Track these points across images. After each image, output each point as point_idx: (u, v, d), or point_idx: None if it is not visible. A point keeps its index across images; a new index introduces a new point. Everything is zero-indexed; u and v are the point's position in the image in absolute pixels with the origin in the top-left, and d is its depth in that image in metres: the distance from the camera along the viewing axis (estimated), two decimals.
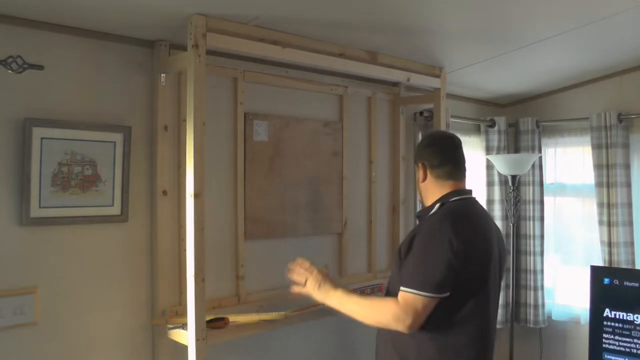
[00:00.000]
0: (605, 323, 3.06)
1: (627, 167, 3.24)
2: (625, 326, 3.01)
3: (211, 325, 2.00)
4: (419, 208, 3.11)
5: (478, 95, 3.62)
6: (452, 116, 3.21)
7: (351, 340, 2.85)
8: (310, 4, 1.92)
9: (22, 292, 1.83)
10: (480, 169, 3.56)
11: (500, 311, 2.80)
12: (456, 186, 1.89)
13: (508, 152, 3.60)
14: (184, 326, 1.99)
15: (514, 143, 3.68)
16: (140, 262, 2.12)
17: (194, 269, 1.88)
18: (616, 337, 3.03)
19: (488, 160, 3.53)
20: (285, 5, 1.91)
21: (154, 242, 2.13)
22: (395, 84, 3.02)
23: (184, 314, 2.05)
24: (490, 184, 3.57)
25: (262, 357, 2.48)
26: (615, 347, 3.03)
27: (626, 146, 3.25)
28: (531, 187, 3.57)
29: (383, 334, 1.90)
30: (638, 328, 2.97)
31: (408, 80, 2.71)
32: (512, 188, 3.40)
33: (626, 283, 3.03)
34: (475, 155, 3.53)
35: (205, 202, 1.91)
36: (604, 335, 3.06)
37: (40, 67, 1.79)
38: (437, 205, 1.85)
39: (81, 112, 1.96)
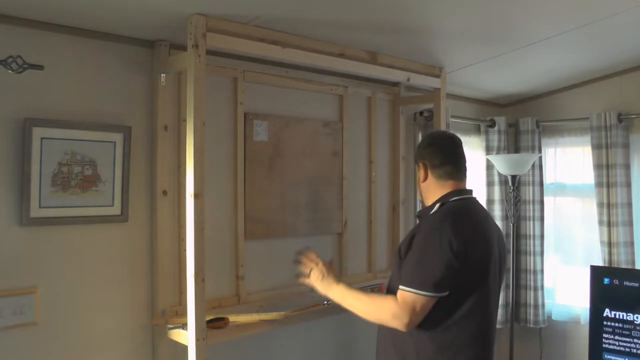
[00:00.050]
0: (605, 323, 3.07)
1: (627, 167, 3.24)
2: (625, 326, 3.01)
3: (211, 325, 2.00)
4: (419, 208, 3.11)
5: (478, 95, 3.62)
6: (452, 116, 3.21)
7: (351, 340, 2.85)
8: (310, 4, 1.92)
9: (22, 292, 1.83)
10: (480, 169, 3.56)
11: (500, 311, 2.80)
12: (457, 186, 1.89)
13: (508, 152, 3.60)
14: (184, 326, 1.99)
15: (514, 143, 3.68)
16: (140, 262, 2.12)
17: (194, 269, 1.88)
18: (616, 337, 3.03)
19: (488, 160, 3.53)
20: (285, 5, 1.91)
21: (154, 242, 2.13)
22: (395, 84, 3.02)
23: (184, 314, 2.05)
24: (490, 184, 3.57)
25: (262, 357, 2.48)
26: (615, 347, 3.03)
27: (626, 146, 3.25)
28: (531, 187, 3.57)
29: (383, 333, 1.91)
30: (638, 328, 2.97)
31: (408, 80, 2.71)
32: (512, 188, 3.40)
33: (626, 283, 3.03)
34: (475, 155, 3.53)
35: (205, 202, 1.91)
36: (604, 335, 3.06)
37: (40, 67, 1.78)
38: (437, 205, 1.86)
39: (81, 112, 1.96)
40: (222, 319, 2.08)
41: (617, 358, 3.02)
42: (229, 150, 2.35)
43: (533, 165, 3.46)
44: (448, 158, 1.91)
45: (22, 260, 1.85)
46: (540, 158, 3.55)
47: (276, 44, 2.13)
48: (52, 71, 1.86)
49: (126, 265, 2.08)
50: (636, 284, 3.00)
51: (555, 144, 3.65)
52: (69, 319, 1.94)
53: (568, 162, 3.65)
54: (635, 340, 2.97)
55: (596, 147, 3.27)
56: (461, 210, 1.84)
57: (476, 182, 3.45)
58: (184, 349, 1.95)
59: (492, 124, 3.54)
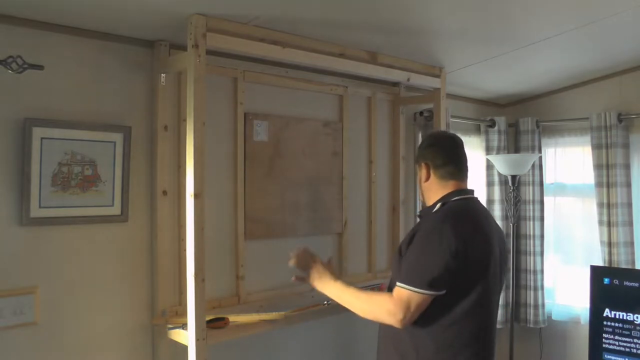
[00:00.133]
0: (605, 323, 3.07)
1: (627, 167, 3.24)
2: (625, 326, 3.01)
3: (211, 325, 2.00)
4: (419, 208, 3.12)
5: (478, 95, 3.62)
6: (452, 116, 3.21)
7: (351, 340, 2.85)
8: (310, 4, 1.92)
9: (22, 292, 1.83)
10: (480, 169, 3.56)
11: (500, 311, 2.80)
12: (458, 186, 1.90)
13: (508, 152, 3.60)
14: (184, 326, 1.99)
15: (514, 143, 3.68)
16: (140, 262, 2.12)
17: (194, 269, 1.88)
18: (616, 337, 3.03)
19: (488, 160, 3.53)
20: (286, 5, 1.91)
21: (154, 242, 2.13)
22: (395, 84, 3.02)
23: (184, 314, 2.05)
24: (490, 184, 3.57)
25: (262, 357, 2.48)
26: (615, 347, 3.03)
27: (626, 146, 3.25)
28: (531, 187, 3.57)
29: (384, 333, 1.91)
30: (638, 328, 2.98)
31: (408, 80, 2.71)
32: (512, 188, 3.40)
33: (626, 283, 3.03)
34: (475, 155, 3.53)
35: (205, 202, 1.91)
36: (604, 335, 3.06)
37: (40, 67, 1.78)
38: (438, 205, 1.86)
39: (81, 112, 1.96)
40: (222, 319, 2.08)
41: (617, 358, 3.02)
42: (229, 150, 2.35)
43: (533, 165, 3.46)
44: (450, 158, 1.91)
45: (22, 260, 1.85)
46: (540, 158, 3.55)
47: (276, 44, 2.13)
48: (52, 71, 1.86)
49: (126, 265, 2.08)
50: (636, 284, 3.00)
51: (555, 144, 3.65)
52: (69, 319, 1.94)
53: (568, 162, 3.65)
54: (635, 340, 2.97)
55: (596, 147, 3.27)
56: (462, 210, 1.84)
57: (476, 182, 3.45)
58: (184, 349, 1.95)
59: (492, 124, 3.54)
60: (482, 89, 3.49)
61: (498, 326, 2.36)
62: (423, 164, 1.94)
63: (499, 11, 2.15)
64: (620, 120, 3.21)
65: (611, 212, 3.21)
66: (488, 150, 3.54)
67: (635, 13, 2.25)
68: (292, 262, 1.98)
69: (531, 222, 3.57)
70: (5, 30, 1.78)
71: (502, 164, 3.35)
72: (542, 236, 3.56)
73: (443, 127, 2.88)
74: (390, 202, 3.06)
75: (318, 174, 2.66)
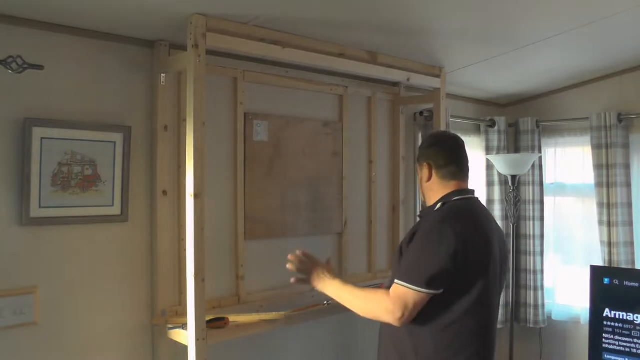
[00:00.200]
0: (605, 323, 3.06)
1: (627, 167, 3.24)
2: (625, 326, 3.01)
3: (211, 325, 2.00)
4: (419, 208, 3.12)
5: (478, 95, 3.62)
6: (452, 116, 3.21)
7: (351, 340, 2.85)
8: (310, 4, 1.92)
9: (22, 292, 1.83)
10: (480, 169, 3.55)
11: (500, 311, 2.80)
12: (459, 186, 1.90)
13: (508, 152, 3.60)
14: (184, 326, 1.99)
15: (514, 143, 3.68)
16: (140, 262, 2.12)
17: (194, 269, 1.88)
18: (616, 337, 3.03)
19: (488, 160, 3.53)
20: (286, 5, 1.91)
21: (154, 242, 2.13)
22: (395, 84, 3.02)
23: (184, 314, 2.05)
24: (490, 184, 3.57)
25: (262, 357, 2.48)
26: (615, 347, 3.03)
27: (626, 146, 3.25)
28: (531, 187, 3.57)
29: (384, 333, 1.92)
30: (638, 328, 2.97)
31: (408, 80, 2.71)
32: (512, 188, 3.40)
33: (626, 283, 3.03)
34: (475, 155, 3.53)
35: (205, 202, 1.91)
36: (604, 335, 3.06)
37: (40, 67, 1.78)
38: (439, 205, 1.86)
39: (81, 112, 1.96)
40: (222, 319, 2.08)
41: (617, 358, 3.02)
42: (229, 150, 2.35)
43: (533, 165, 3.46)
44: (452, 158, 1.91)
45: (22, 260, 1.85)
46: (540, 158, 3.55)
47: (276, 44, 2.13)
48: (52, 71, 1.86)
49: (126, 265, 2.08)
50: (636, 284, 3.00)
51: (555, 144, 3.65)
52: (69, 319, 1.94)
53: (568, 162, 3.65)
54: (635, 340, 2.97)
55: (596, 147, 3.27)
56: (462, 209, 1.84)
57: (476, 182, 3.45)
58: (184, 349, 1.95)
59: (492, 124, 3.54)
60: (482, 89, 3.49)
61: (498, 326, 2.35)
62: (425, 164, 1.94)
63: (499, 11, 2.15)
64: (620, 120, 3.21)
65: (611, 212, 3.21)
66: (488, 150, 3.54)
67: (635, 13, 2.25)
68: (291, 267, 1.98)
69: (531, 222, 3.57)
70: (5, 30, 1.78)
71: (502, 164, 3.35)
72: (542, 236, 3.56)
73: (443, 127, 2.88)
74: (390, 202, 3.06)
75: (318, 174, 2.66)
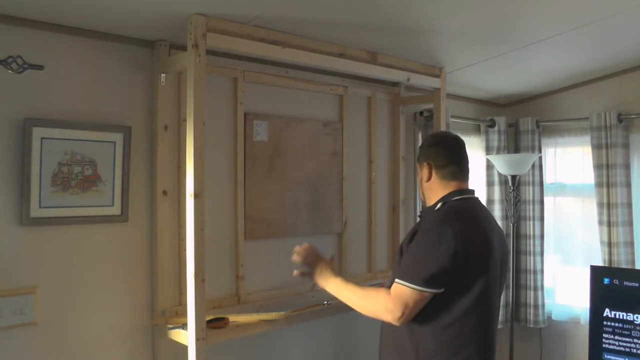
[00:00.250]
0: (605, 323, 3.06)
1: (627, 167, 3.24)
2: (625, 326, 3.01)
3: (211, 325, 2.00)
4: (419, 208, 3.12)
5: (478, 95, 3.62)
6: (452, 116, 3.21)
7: (351, 340, 2.85)
8: (310, 4, 1.92)
9: (22, 292, 1.83)
10: (480, 169, 3.55)
11: (500, 311, 2.81)
12: (459, 186, 1.90)
13: (508, 152, 3.60)
14: (184, 326, 1.99)
15: (514, 143, 3.68)
16: (140, 262, 2.12)
17: (194, 269, 1.88)
18: (616, 337, 3.03)
19: (488, 160, 3.53)
20: (285, 5, 1.91)
21: (154, 242, 2.13)
22: (395, 84, 3.02)
23: (184, 314, 2.05)
24: (490, 184, 3.57)
25: (262, 357, 2.48)
26: (615, 347, 3.02)
27: (626, 146, 3.25)
28: (531, 187, 3.57)
29: (385, 332, 1.92)
30: (638, 328, 2.97)
31: (408, 80, 2.71)
32: (512, 188, 3.40)
33: (626, 283, 3.03)
34: (475, 155, 3.53)
35: (205, 202, 1.91)
36: (604, 335, 3.06)
37: (40, 67, 1.78)
38: (439, 204, 1.87)
39: (81, 112, 1.96)
40: (222, 319, 2.08)
41: (617, 358, 3.02)
42: (229, 150, 2.35)
43: (533, 165, 3.46)
44: (452, 159, 1.92)
45: (22, 260, 1.84)
46: (540, 158, 3.55)
47: (276, 44, 2.13)
48: (52, 71, 1.86)
49: (126, 265, 2.08)
50: (636, 284, 3.00)
51: (555, 144, 3.65)
52: (69, 319, 1.94)
53: (568, 162, 3.65)
54: (635, 340, 2.97)
55: (596, 147, 3.27)
56: (463, 209, 1.84)
57: (476, 182, 3.45)
58: (184, 349, 1.95)
59: (492, 124, 3.54)
60: (482, 89, 3.49)
61: (498, 326, 2.36)
62: (425, 164, 1.94)
63: (499, 11, 2.15)
64: (620, 120, 3.21)
65: (611, 212, 3.21)
66: (488, 150, 3.54)
67: (635, 13, 2.25)
68: (296, 259, 1.99)
69: (531, 222, 3.56)
70: (5, 30, 1.78)
71: (502, 164, 3.35)
72: (542, 236, 3.56)
73: (443, 127, 2.88)
74: (390, 202, 3.06)
75: (318, 174, 2.66)
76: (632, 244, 3.22)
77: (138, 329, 2.11)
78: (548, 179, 3.64)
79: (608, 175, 3.23)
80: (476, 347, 1.78)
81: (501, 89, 3.50)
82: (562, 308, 3.61)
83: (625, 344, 3.00)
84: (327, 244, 2.72)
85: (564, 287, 3.64)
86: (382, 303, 1.75)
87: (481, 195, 3.52)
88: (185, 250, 1.99)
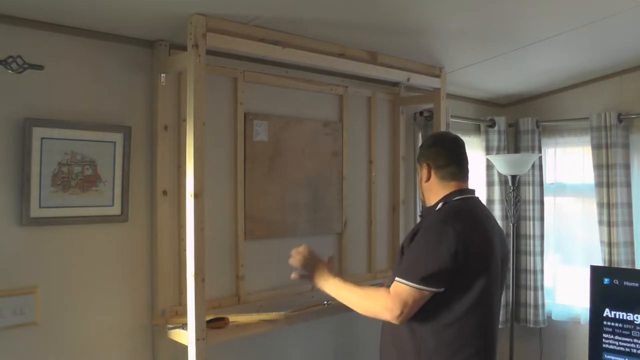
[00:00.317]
0: (605, 323, 3.06)
1: (627, 167, 3.24)
2: (625, 326, 3.01)
3: (211, 325, 2.00)
4: (419, 208, 3.12)
5: (478, 95, 3.62)
6: (452, 116, 3.21)
7: (351, 340, 2.85)
8: (310, 4, 1.92)
9: (22, 292, 1.83)
10: (480, 169, 3.56)
11: (501, 311, 2.81)
12: (459, 186, 1.91)
13: (508, 152, 3.60)
14: (184, 326, 1.99)
15: (514, 143, 3.68)
16: (140, 262, 2.12)
17: (194, 269, 1.88)
18: (616, 337, 3.03)
19: (488, 160, 3.53)
20: (285, 5, 1.91)
21: (154, 242, 2.13)
22: (395, 84, 3.02)
23: (184, 314, 2.05)
24: (490, 184, 3.57)
25: (262, 357, 2.49)
26: (615, 347, 3.02)
27: (626, 146, 3.25)
28: (531, 187, 3.57)
29: (385, 332, 1.92)
30: (638, 328, 2.97)
31: (408, 80, 2.71)
32: (512, 188, 3.40)
33: (626, 283, 3.03)
34: (475, 155, 3.53)
35: (205, 202, 1.91)
36: (604, 335, 3.06)
37: (40, 67, 1.78)
38: (440, 204, 1.87)
39: (81, 112, 1.96)
40: (222, 319, 2.08)
41: (617, 358, 3.02)
42: (229, 150, 2.35)
43: (533, 165, 3.46)
44: (452, 159, 1.92)
45: (22, 260, 1.84)
46: (540, 158, 3.55)
47: (276, 44, 2.13)
48: (52, 71, 1.86)
49: (126, 265, 2.08)
50: (636, 284, 3.00)
51: (555, 144, 3.65)
52: (69, 319, 1.94)
53: (568, 162, 3.65)
54: (635, 340, 2.97)
55: (596, 147, 3.27)
56: (463, 209, 1.85)
57: (476, 182, 3.45)
58: (184, 349, 1.95)
59: (492, 124, 3.54)
60: (482, 89, 3.49)
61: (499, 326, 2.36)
62: (424, 164, 1.94)
63: (499, 11, 2.15)
64: (620, 120, 3.21)
65: (611, 212, 3.21)
66: (488, 150, 3.54)
67: (635, 13, 2.25)
68: (294, 262, 1.99)
69: (531, 222, 3.56)
70: (5, 30, 1.78)
71: (502, 164, 3.35)
72: (542, 236, 3.56)
73: (443, 127, 2.88)
74: (390, 202, 3.06)
75: (318, 174, 2.66)
76: (632, 244, 3.22)
77: (138, 329, 2.11)
78: (548, 179, 3.64)
79: (608, 175, 3.23)
80: (477, 346, 1.78)
81: (501, 89, 3.50)
82: (562, 308, 3.61)
83: (625, 344, 3.00)
84: (327, 244, 2.72)
85: (564, 287, 3.64)
86: (381, 302, 1.75)
87: (481, 195, 3.52)
88: (185, 250, 1.99)
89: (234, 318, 2.12)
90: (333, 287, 1.92)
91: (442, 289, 1.71)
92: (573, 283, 3.55)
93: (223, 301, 2.31)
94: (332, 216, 2.73)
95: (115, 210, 2.03)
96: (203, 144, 1.90)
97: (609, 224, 3.22)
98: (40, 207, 1.85)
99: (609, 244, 3.22)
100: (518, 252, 3.61)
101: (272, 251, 2.47)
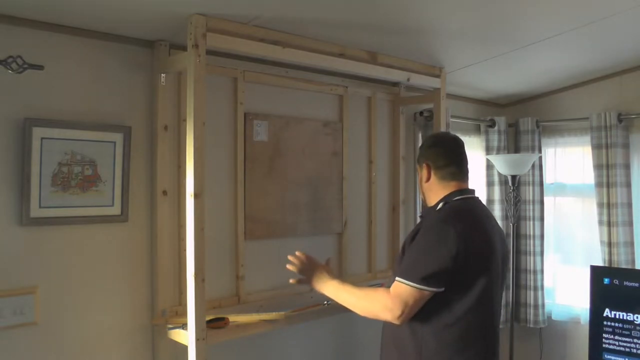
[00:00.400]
0: (605, 323, 3.06)
1: (627, 167, 3.24)
2: (625, 326, 3.01)
3: (211, 325, 2.00)
4: (419, 208, 3.12)
5: (478, 95, 3.62)
6: (452, 116, 3.21)
7: (351, 340, 2.85)
8: (310, 4, 1.92)
9: (22, 292, 1.83)
10: (480, 169, 3.56)
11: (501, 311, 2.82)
12: (459, 186, 1.91)
13: (508, 152, 3.60)
14: (184, 326, 1.99)
15: (514, 143, 3.68)
16: (140, 262, 2.12)
17: (194, 269, 1.88)
18: (616, 337, 3.03)
19: (488, 160, 3.53)
20: (285, 5, 1.91)
21: (154, 242, 2.13)
22: (395, 84, 3.02)
23: (184, 314, 2.05)
24: (490, 184, 3.57)
25: (262, 357, 2.49)
26: (615, 347, 3.02)
27: (626, 146, 3.25)
28: (531, 187, 3.57)
29: (385, 332, 1.92)
30: (638, 328, 2.97)
31: (408, 80, 2.71)
32: (512, 188, 3.40)
33: (626, 283, 3.03)
34: (475, 155, 3.53)
35: (205, 202, 1.91)
36: (604, 335, 3.06)
37: (40, 67, 1.78)
38: (440, 205, 1.87)
39: (81, 112, 1.96)
40: (222, 319, 2.08)
41: (617, 358, 3.02)
42: (229, 150, 2.35)
43: (533, 165, 3.46)
44: (452, 159, 1.92)
45: (22, 260, 1.84)
46: (540, 158, 3.55)
47: (276, 44, 2.13)
48: (52, 71, 1.86)
49: (126, 265, 2.08)
50: (636, 284, 3.00)
51: (555, 144, 3.65)
52: (69, 319, 1.94)
53: (568, 162, 3.65)
54: (635, 340, 2.97)
55: (596, 147, 3.27)
56: (463, 209, 1.85)
57: (476, 182, 3.45)
58: (184, 349, 1.95)
59: (492, 124, 3.54)
60: (482, 89, 3.49)
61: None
62: (424, 165, 1.94)
63: (499, 11, 2.15)
64: (620, 120, 3.21)
65: (611, 212, 3.21)
66: (488, 150, 3.54)
67: (635, 13, 2.25)
68: (291, 268, 1.99)
69: (531, 222, 3.56)
70: (5, 30, 1.78)
71: (502, 164, 3.35)
72: (542, 236, 3.56)
73: (443, 127, 2.88)
74: (390, 202, 3.06)
75: (318, 174, 2.66)
76: (632, 244, 3.22)
77: (138, 329, 2.11)
78: (548, 179, 3.64)
79: (608, 175, 3.23)
80: (478, 346, 1.78)
81: (501, 89, 3.50)
82: (562, 308, 3.61)
83: (625, 344, 3.00)
84: (327, 244, 2.72)
85: (564, 287, 3.64)
86: (381, 302, 1.75)
87: (481, 195, 3.51)
88: (185, 250, 1.99)
89: (234, 318, 2.12)
90: (332, 289, 1.92)
91: (443, 289, 1.71)
92: (573, 283, 3.55)
93: (223, 301, 2.31)
94: (332, 216, 2.73)
95: (115, 210, 2.03)
96: (203, 144, 1.90)
97: (609, 224, 3.22)
98: (40, 207, 1.85)
99: (609, 244, 3.22)
100: (518, 252, 3.61)
101: (272, 251, 2.47)
